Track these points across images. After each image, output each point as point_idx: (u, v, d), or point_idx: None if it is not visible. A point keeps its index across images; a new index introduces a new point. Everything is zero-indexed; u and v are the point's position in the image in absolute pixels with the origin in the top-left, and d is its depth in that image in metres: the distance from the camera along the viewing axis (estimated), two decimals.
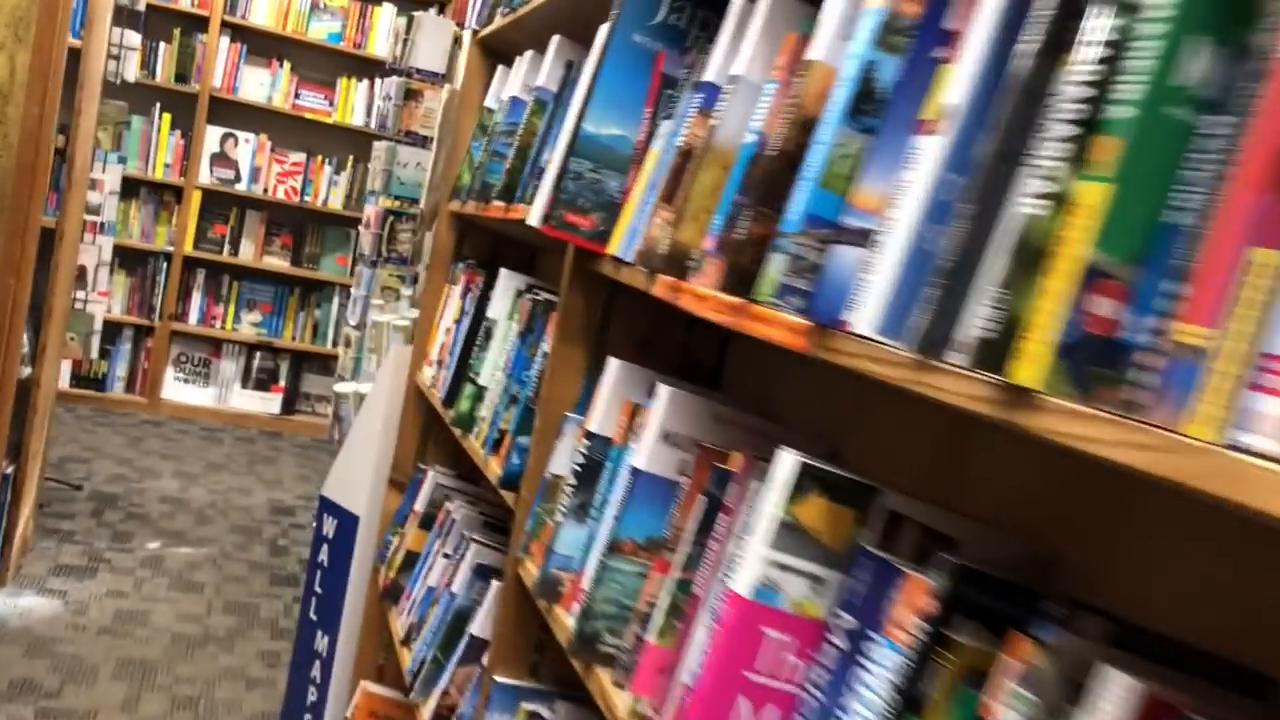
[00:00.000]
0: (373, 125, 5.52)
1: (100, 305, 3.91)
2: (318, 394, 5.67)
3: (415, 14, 4.00)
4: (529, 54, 1.89)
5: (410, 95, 4.01)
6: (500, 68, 2.11)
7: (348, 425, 2.66)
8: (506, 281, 1.76)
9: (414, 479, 2.27)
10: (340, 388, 2.66)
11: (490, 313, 1.77)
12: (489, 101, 2.10)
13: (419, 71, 4.03)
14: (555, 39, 1.69)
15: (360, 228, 4.16)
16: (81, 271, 3.81)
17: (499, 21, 2.05)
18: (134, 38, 3.85)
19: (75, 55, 2.98)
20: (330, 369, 5.67)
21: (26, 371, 3.05)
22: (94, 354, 3.97)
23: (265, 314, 5.54)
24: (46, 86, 2.19)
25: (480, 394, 1.71)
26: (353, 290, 4.19)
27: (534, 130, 1.66)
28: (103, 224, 3.80)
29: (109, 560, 3.46)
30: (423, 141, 4.07)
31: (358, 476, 2.36)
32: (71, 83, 2.93)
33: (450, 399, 1.87)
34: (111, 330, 5.31)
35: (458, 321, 2.03)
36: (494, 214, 1.75)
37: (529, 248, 2.31)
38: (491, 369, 1.70)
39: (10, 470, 3.04)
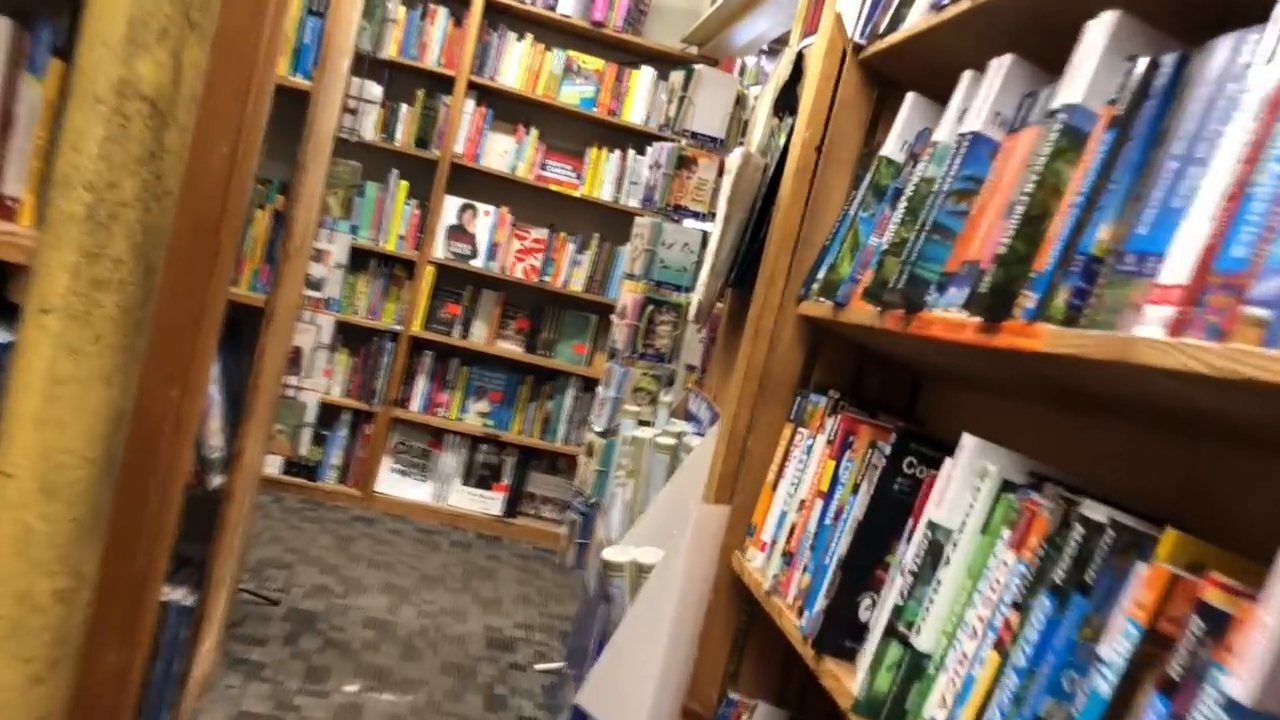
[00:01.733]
0: (623, 199, 4.92)
1: (315, 394, 3.39)
2: (543, 495, 5.04)
3: (696, 67, 3.34)
4: (967, 75, 1.13)
5: (682, 163, 3.34)
6: (913, 99, 1.36)
7: (617, 606, 1.91)
8: (974, 459, 0.96)
9: (720, 715, 1.49)
10: (613, 555, 1.92)
11: (938, 514, 0.98)
12: (889, 150, 1.35)
13: (694, 136, 3.36)
14: (1007, 59, 0.93)
15: (613, 317, 3.50)
16: (296, 354, 3.30)
17: (906, 30, 1.30)
18: (375, 90, 3.36)
19: (301, 99, 2.44)
20: (559, 468, 5.04)
21: (217, 481, 2.48)
22: (304, 449, 3.44)
23: (494, 404, 4.97)
24: (243, 114, 1.58)
25: (922, 669, 0.92)
26: (599, 389, 3.51)
27: (1057, 185, 0.88)
28: (327, 300, 3.28)
29: (298, 708, 2.84)
30: (696, 217, 3.39)
31: (630, 694, 1.61)
32: (293, 130, 2.39)
33: (834, 644, 1.09)
34: (329, 415, 4.85)
35: (826, 495, 1.25)
36: (940, 332, 0.97)
37: (909, 373, 1.53)
38: (949, 623, 0.91)
39: (191, 601, 2.46)
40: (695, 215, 3.37)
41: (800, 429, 1.42)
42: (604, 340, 5.06)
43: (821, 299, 1.43)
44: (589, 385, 5.03)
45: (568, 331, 5.02)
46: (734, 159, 2.69)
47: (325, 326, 3.33)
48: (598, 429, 3.40)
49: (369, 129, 3.47)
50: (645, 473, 2.68)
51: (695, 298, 2.84)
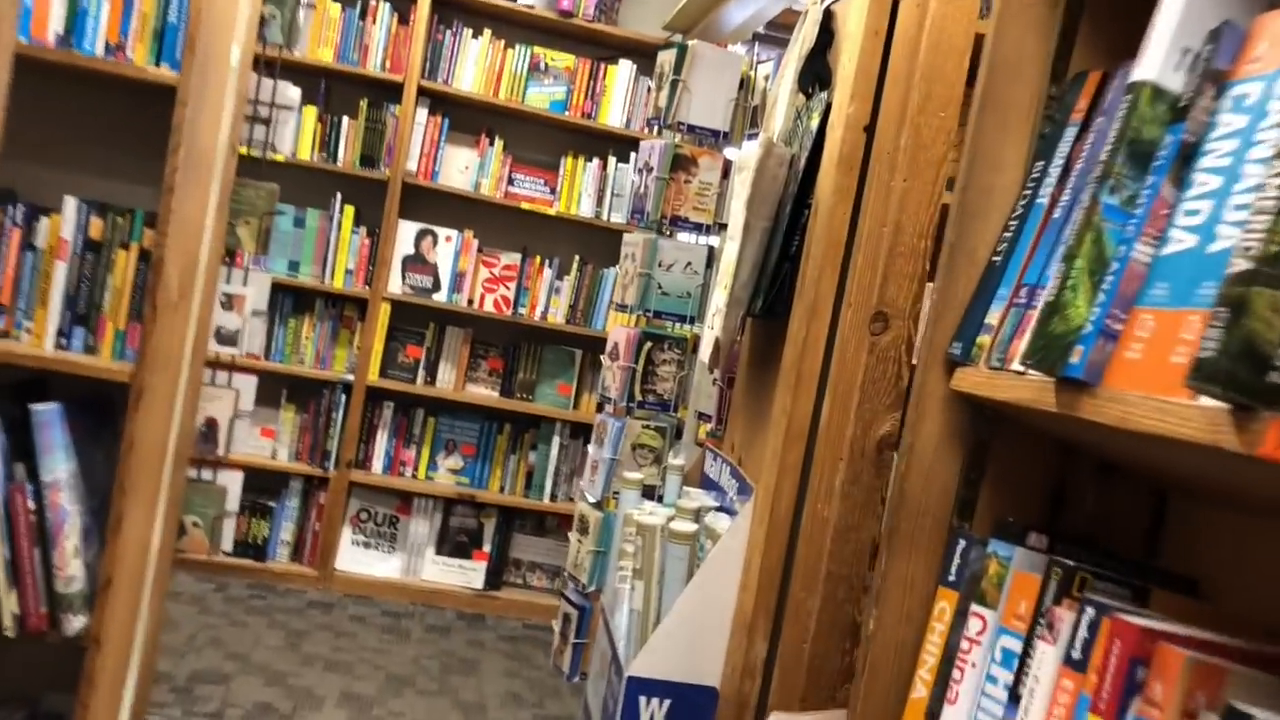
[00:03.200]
0: (606, 215, 4.29)
1: (236, 475, 2.74)
2: (531, 561, 4.38)
3: (691, 43, 2.72)
4: None
5: (679, 164, 2.71)
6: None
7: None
8: None
9: None
10: None
11: None
12: (1153, 69, 0.70)
13: (692, 130, 2.74)
14: None
15: (603, 359, 2.86)
16: (210, 427, 2.67)
17: None
18: (291, 94, 2.72)
19: (165, 96, 1.81)
20: (547, 528, 4.38)
21: (77, 622, 1.82)
22: (225, 544, 2.78)
23: (468, 458, 4.32)
24: None
25: None
26: (591, 449, 2.87)
27: None
28: (235, 359, 2.64)
29: None
30: (699, 230, 2.76)
31: None
32: (154, 142, 1.75)
33: None
34: (275, 483, 4.19)
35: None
36: None
37: (1151, 482, 0.88)
38: None
39: None
40: (698, 228, 2.74)
41: (978, 608, 0.78)
42: (591, 378, 4.42)
43: (1019, 367, 0.78)
44: (576, 431, 4.39)
45: (549, 370, 4.38)
46: (749, 152, 2.06)
47: (245, 389, 2.69)
48: (591, 498, 2.76)
49: (288, 142, 2.88)
50: (658, 571, 2.04)
51: (708, 333, 2.21)
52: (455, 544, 4.32)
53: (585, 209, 4.30)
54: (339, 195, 4.14)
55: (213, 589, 3.94)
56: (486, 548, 4.33)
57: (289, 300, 4.16)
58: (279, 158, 3.61)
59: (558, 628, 2.87)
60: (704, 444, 2.57)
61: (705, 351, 2.22)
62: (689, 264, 2.75)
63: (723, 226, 2.79)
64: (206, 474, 2.72)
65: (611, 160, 4.30)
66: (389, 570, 4.26)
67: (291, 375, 4.17)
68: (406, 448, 4.29)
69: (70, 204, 1.84)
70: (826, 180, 1.97)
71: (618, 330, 2.82)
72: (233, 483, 2.78)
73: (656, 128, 2.82)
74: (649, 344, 2.76)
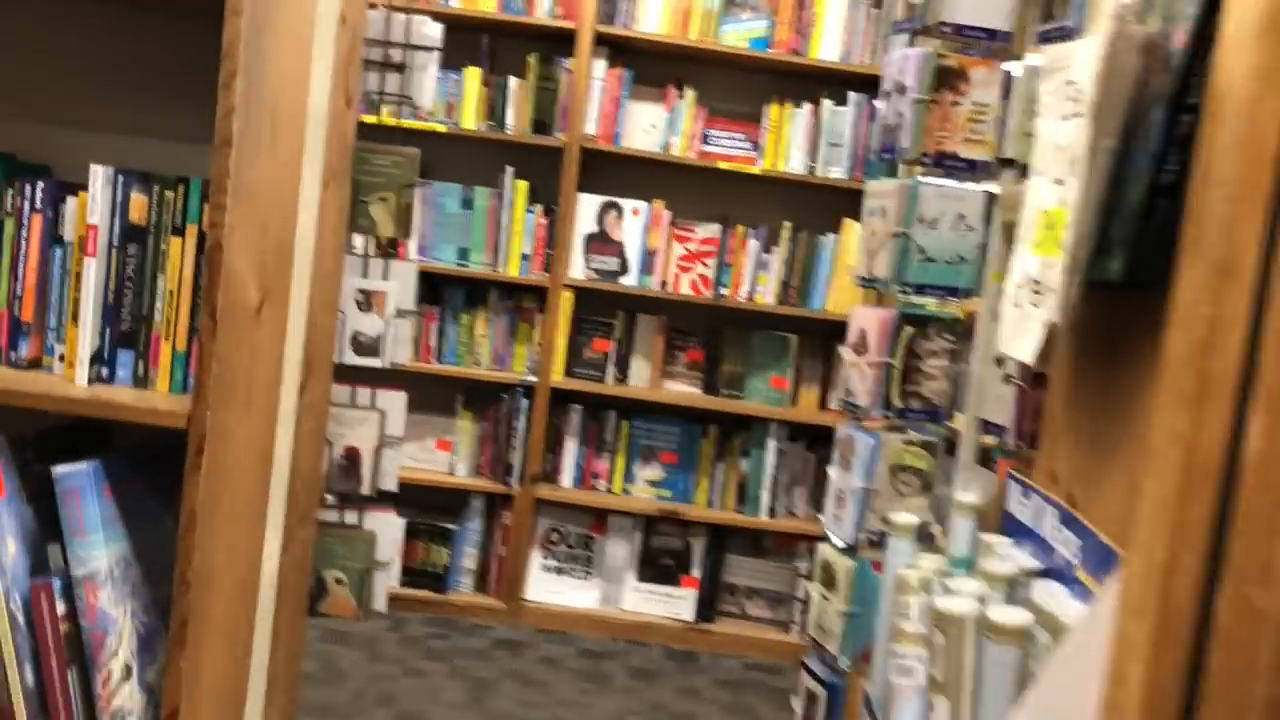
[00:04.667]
0: (822, 169, 3.59)
1: (387, 518, 2.20)
2: (748, 586, 3.74)
3: None
4: None
5: (942, 80, 1.99)
6: None
7: None
8: None
9: None
10: None
11: None
12: None
13: (960, 32, 2.02)
14: None
15: (843, 351, 2.16)
16: (351, 460, 2.14)
17: None
18: (430, 31, 2.14)
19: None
20: (765, 547, 3.73)
21: None
22: (378, 602, 2.25)
23: (668, 467, 3.71)
24: None
25: None
26: (835, 472, 2.19)
27: None
28: (389, 367, 2.10)
29: None
30: (970, 169, 2.04)
31: None
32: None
33: None
34: (455, 501, 3.69)
35: None
36: None
37: None
38: None
39: None
40: (970, 166, 2.02)
41: None
42: (810, 368, 3.73)
43: None
44: (796, 433, 3.71)
45: (758, 361, 3.71)
46: (1089, 46, 1.33)
47: (393, 409, 2.16)
48: (839, 540, 2.09)
49: (427, 95, 2.29)
50: (970, 681, 1.36)
51: (1013, 312, 1.49)
52: (659, 568, 3.72)
53: (795, 164, 3.60)
54: (509, 169, 3.59)
55: (387, 627, 3.47)
56: (695, 572, 3.71)
57: (460, 293, 3.65)
58: (421, 125, 3.04)
59: (799, 709, 2.21)
60: (1004, 469, 1.85)
61: (1018, 343, 1.50)
62: (961, 217, 2.03)
63: (1005, 163, 2.05)
64: (351, 517, 2.20)
65: (826, 104, 3.58)
66: (585, 600, 3.70)
67: (467, 379, 3.65)
68: (598, 457, 3.72)
69: (99, 175, 1.30)
70: (1237, 59, 1.20)
71: (863, 313, 2.12)
72: (386, 526, 2.25)
73: (909, 33, 2.10)
74: (909, 330, 2.05)
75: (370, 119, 2.33)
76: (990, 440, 2.05)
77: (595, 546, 3.74)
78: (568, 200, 3.55)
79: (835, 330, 3.70)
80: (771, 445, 3.66)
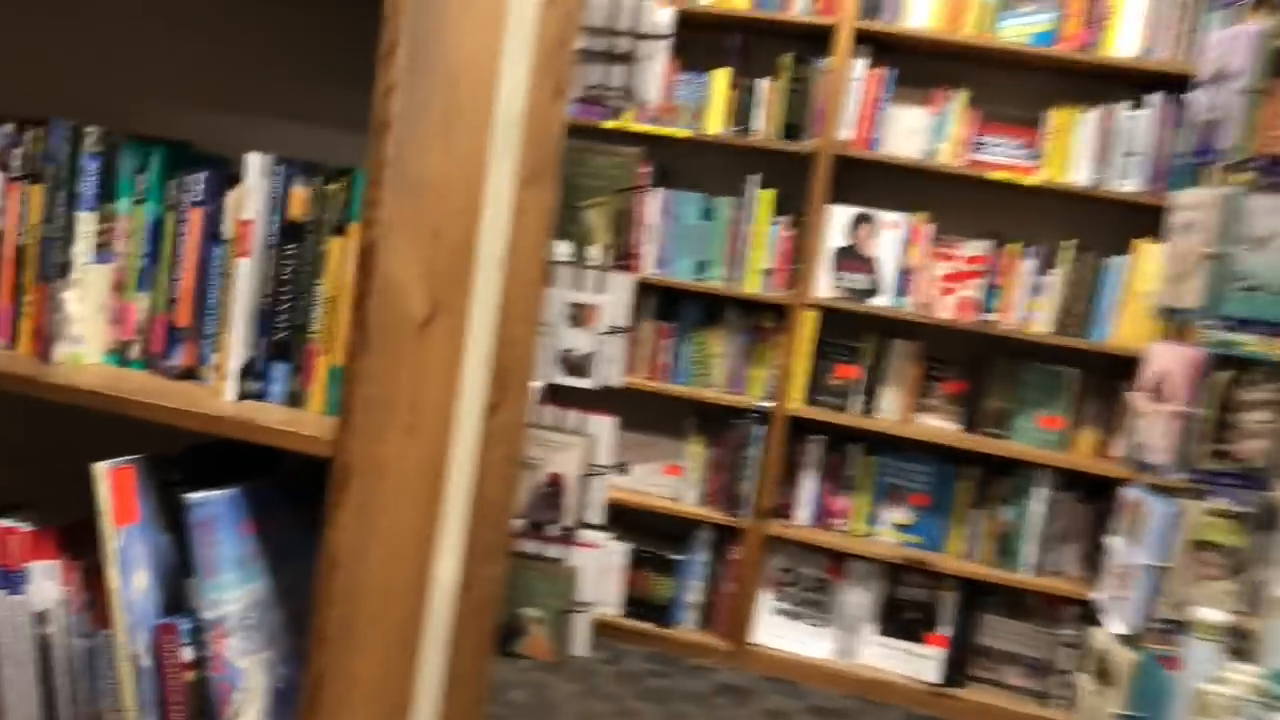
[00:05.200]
0: (1110, 182, 3.16)
1: (592, 553, 2.01)
2: (1003, 650, 3.33)
3: None
4: None
5: None
6: None
7: None
8: None
9: None
10: None
11: None
12: None
13: None
14: None
15: (1134, 396, 1.79)
16: (554, 488, 1.96)
17: None
18: (660, 19, 1.94)
19: None
20: (1026, 608, 3.32)
21: None
22: (579, 647, 2.06)
23: (918, 511, 3.36)
24: None
25: None
26: (1118, 543, 1.82)
27: None
28: (599, 388, 1.91)
29: None
30: None
31: None
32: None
33: None
34: (681, 530, 3.49)
35: None
36: None
37: None
38: None
39: None
40: None
41: None
42: (1088, 410, 3.29)
43: None
44: (1070, 482, 3.28)
45: (1029, 397, 3.30)
46: None
47: (603, 434, 1.97)
48: (1120, 627, 1.72)
49: (651, 88, 2.06)
50: None
51: None
52: (903, 622, 3.37)
53: (1080, 176, 3.18)
54: (754, 177, 3.36)
55: (605, 659, 3.30)
56: (944, 629, 3.34)
57: (694, 309, 3.44)
58: (661, 130, 2.84)
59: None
60: None
61: None
62: None
63: None
64: (553, 550, 2.02)
65: (1119, 107, 3.14)
66: (818, 649, 3.41)
67: (699, 401, 3.45)
68: (839, 495, 3.41)
69: (256, 165, 1.16)
70: None
71: (1163, 351, 1.75)
72: (593, 560, 2.06)
73: (1233, 7, 1.72)
74: (1224, 375, 1.67)
75: (608, 124, 2.17)
76: None
77: (831, 592, 3.43)
78: (816, 211, 3.28)
79: (1121, 367, 3.25)
80: (1039, 493, 3.24)
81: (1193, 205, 1.67)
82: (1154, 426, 1.71)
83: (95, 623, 1.17)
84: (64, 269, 1.21)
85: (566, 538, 1.97)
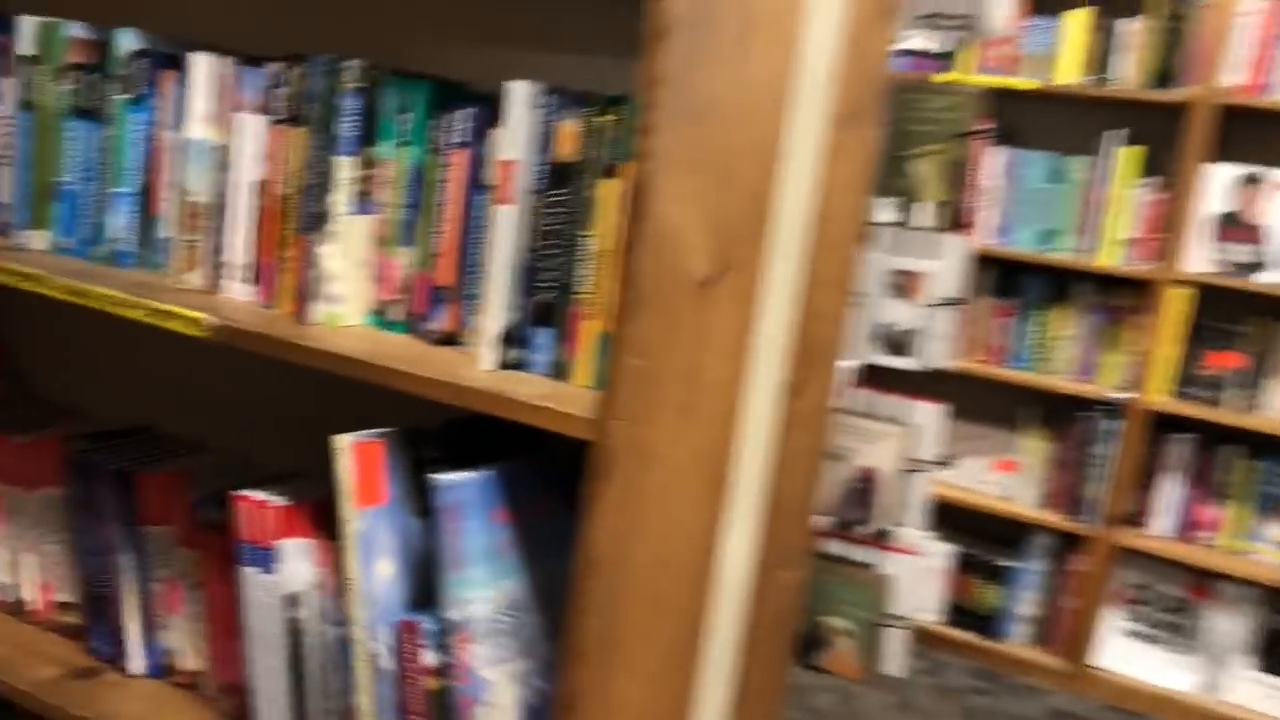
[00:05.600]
0: None
1: (910, 559, 1.74)
2: None
3: None
4: None
5: None
6: None
7: None
8: None
9: None
10: None
11: None
12: None
13: None
14: None
15: None
16: (866, 484, 1.71)
17: None
18: None
19: None
20: None
21: None
22: (892, 665, 1.80)
23: None
24: None
25: None
26: None
27: None
28: (924, 370, 1.65)
29: None
30: None
31: None
32: None
33: None
34: (1015, 533, 3.13)
35: None
36: None
37: None
38: None
39: None
40: None
41: None
42: None
43: None
44: None
45: None
46: None
47: (929, 423, 1.70)
48: None
49: (998, 18, 1.73)
50: None
51: None
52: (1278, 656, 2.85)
53: None
54: (1114, 133, 2.92)
55: (924, 669, 3.01)
56: None
57: (1038, 284, 3.05)
58: (1005, 82, 2.55)
59: None
60: None
61: None
62: None
63: None
64: (863, 553, 1.78)
65: None
66: (1174, 680, 2.94)
67: (1040, 389, 3.06)
68: (1208, 503, 2.92)
69: (518, 95, 1.00)
70: None
71: None
72: (909, 569, 1.80)
73: None
74: None
75: (939, 78, 1.90)
76: None
77: (1193, 615, 2.95)
78: (1191, 171, 2.80)
79: None
80: None
81: None
82: None
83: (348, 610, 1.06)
84: (322, 220, 1.10)
85: (879, 540, 1.71)
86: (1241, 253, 2.81)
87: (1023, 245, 3.02)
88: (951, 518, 3.25)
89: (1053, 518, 3.02)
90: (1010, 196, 3.03)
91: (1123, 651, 3.00)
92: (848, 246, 1.36)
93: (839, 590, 1.70)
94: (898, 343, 1.63)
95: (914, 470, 1.70)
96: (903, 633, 1.78)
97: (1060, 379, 3.02)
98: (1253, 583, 2.85)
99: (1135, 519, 2.99)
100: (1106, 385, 2.97)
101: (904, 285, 1.61)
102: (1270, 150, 2.91)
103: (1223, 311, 2.92)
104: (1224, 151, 2.92)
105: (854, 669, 1.75)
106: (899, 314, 1.62)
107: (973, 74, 3.03)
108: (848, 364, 1.60)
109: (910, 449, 1.69)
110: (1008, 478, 3.14)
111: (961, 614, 3.14)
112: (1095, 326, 3.00)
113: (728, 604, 1.25)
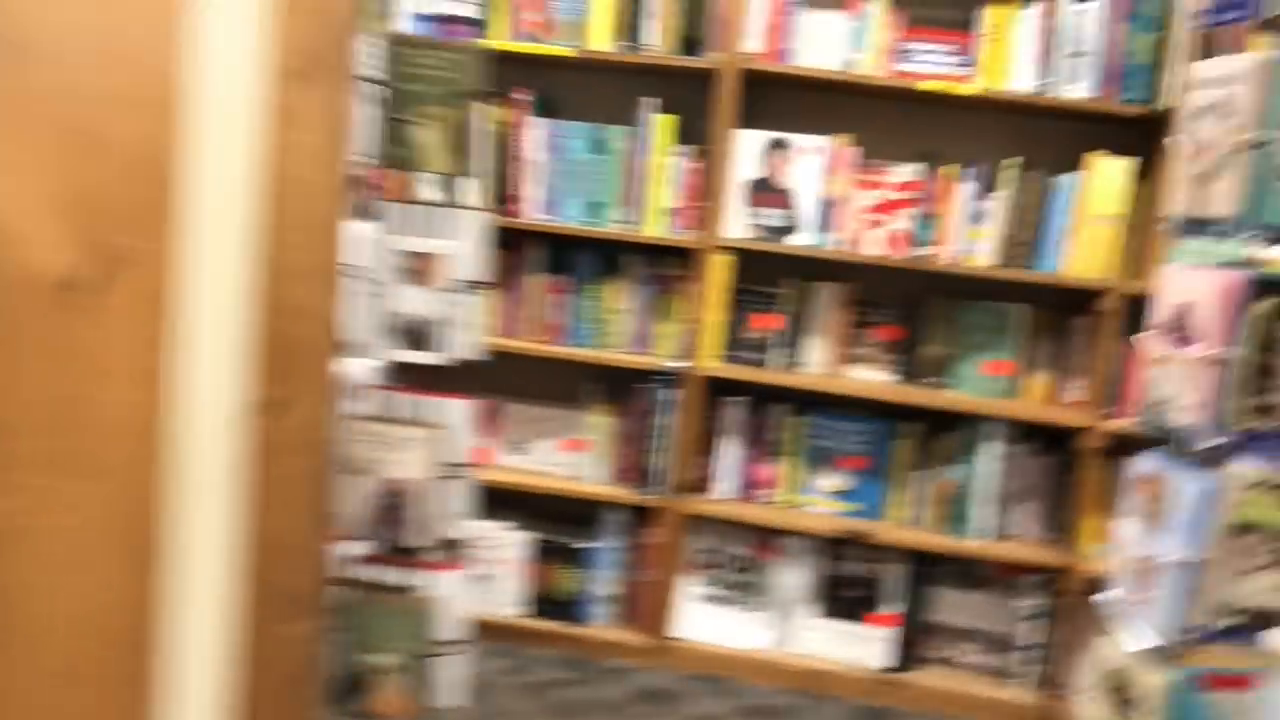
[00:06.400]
0: (1058, 87, 2.77)
1: (455, 576, 1.55)
2: (956, 626, 2.97)
3: None
4: None
5: None
6: None
7: None
8: None
9: None
10: None
11: None
12: None
13: None
14: None
15: (1148, 336, 1.39)
16: (394, 500, 1.49)
17: None
18: None
19: None
20: (977, 578, 2.97)
21: None
22: (449, 695, 1.61)
23: (854, 475, 2.97)
24: None
25: None
26: (1129, 527, 1.41)
27: None
28: (451, 363, 1.46)
29: None
30: None
31: None
32: None
33: None
34: (588, 513, 3.06)
35: None
36: None
37: None
38: None
39: None
40: None
41: None
42: (1040, 351, 2.92)
43: None
44: (1021, 433, 2.91)
45: (972, 340, 2.92)
46: None
47: (457, 423, 1.52)
48: (1139, 640, 1.32)
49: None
50: None
51: None
52: (843, 602, 2.99)
53: (1022, 81, 2.78)
54: (648, 101, 2.89)
55: (508, 666, 2.87)
56: (889, 608, 2.96)
57: (590, 259, 2.99)
58: (539, 49, 2.44)
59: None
60: None
61: None
62: None
63: None
64: (400, 576, 1.56)
65: (1062, 1, 2.74)
66: (749, 639, 3.01)
67: (601, 365, 3.00)
68: (765, 462, 3.00)
69: None
70: None
71: (1185, 278, 1.34)
72: (451, 593, 1.60)
73: None
74: (1264, 304, 1.27)
75: (474, 43, 1.70)
76: None
77: (762, 573, 3.03)
78: (723, 138, 2.83)
79: (1073, 300, 2.88)
80: (990, 449, 2.87)
81: (1220, 78, 1.26)
82: (1179, 377, 1.31)
83: None
84: None
85: (417, 560, 1.51)
86: (774, 217, 2.88)
87: (571, 219, 2.93)
88: (526, 504, 3.13)
89: (623, 493, 2.98)
90: (554, 170, 2.93)
91: (700, 619, 3.02)
92: (325, 228, 1.13)
93: (378, 622, 1.48)
94: (418, 334, 1.43)
95: (450, 476, 1.51)
96: (457, 660, 1.59)
97: (618, 353, 2.97)
98: (809, 534, 2.96)
99: (701, 485, 3.01)
100: (662, 355, 2.96)
101: (418, 269, 1.41)
102: (793, 116, 3.02)
103: (761, 275, 3.00)
104: (752, 118, 2.98)
105: (404, 708, 1.54)
106: (415, 302, 1.41)
107: (506, 40, 2.89)
108: (362, 364, 1.38)
109: (443, 452, 1.49)
110: (577, 457, 3.06)
111: (546, 603, 3.04)
112: (647, 298, 2.98)
113: (199, 682, 0.98)
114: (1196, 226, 1.28)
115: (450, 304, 1.43)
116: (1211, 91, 1.27)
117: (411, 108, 1.39)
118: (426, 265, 1.41)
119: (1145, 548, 1.33)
